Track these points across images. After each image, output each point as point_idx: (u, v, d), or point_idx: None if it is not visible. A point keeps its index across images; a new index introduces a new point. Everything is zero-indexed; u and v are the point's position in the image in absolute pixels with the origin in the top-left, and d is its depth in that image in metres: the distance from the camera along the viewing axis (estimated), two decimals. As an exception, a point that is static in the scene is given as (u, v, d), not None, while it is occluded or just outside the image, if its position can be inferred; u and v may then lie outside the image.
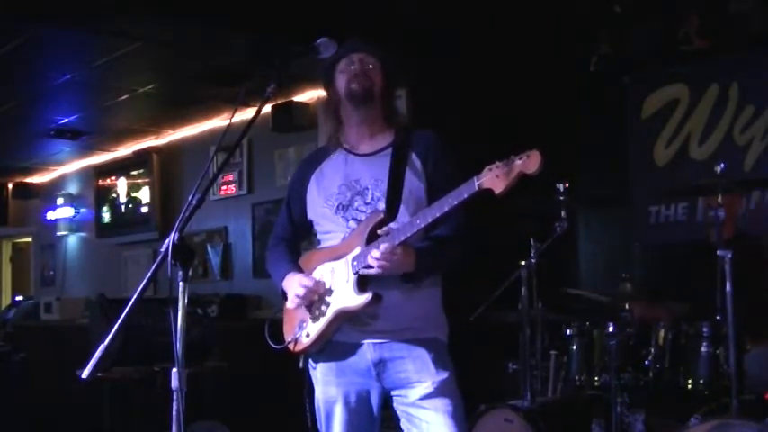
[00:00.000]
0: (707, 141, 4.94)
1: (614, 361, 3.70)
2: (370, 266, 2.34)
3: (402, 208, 2.44)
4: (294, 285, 2.50)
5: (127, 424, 4.86)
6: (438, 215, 2.26)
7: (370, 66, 2.55)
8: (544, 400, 4.03)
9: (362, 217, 2.47)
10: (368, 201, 2.49)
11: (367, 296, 2.36)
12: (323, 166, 2.63)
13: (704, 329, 3.52)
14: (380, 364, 2.45)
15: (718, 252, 3.19)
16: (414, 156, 2.52)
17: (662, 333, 3.68)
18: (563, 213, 3.93)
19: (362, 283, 2.39)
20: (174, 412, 1.98)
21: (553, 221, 3.96)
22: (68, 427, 5.97)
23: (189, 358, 2.00)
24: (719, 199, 3.24)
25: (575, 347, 3.98)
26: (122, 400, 4.86)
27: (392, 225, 2.36)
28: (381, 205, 2.46)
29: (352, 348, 2.47)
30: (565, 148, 5.28)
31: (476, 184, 2.19)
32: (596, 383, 3.88)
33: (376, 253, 2.31)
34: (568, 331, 4.02)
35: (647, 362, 3.72)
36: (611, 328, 3.77)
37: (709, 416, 3.21)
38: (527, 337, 3.96)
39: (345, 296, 2.42)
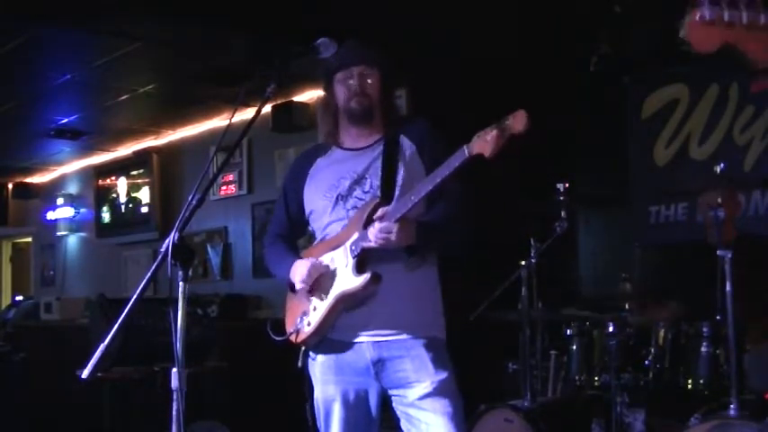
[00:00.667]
0: (707, 141, 4.94)
1: (614, 361, 3.71)
2: (369, 242, 2.35)
3: (398, 192, 2.44)
4: (298, 271, 2.52)
5: (127, 424, 4.86)
6: (431, 187, 2.28)
7: (369, 80, 2.55)
8: (544, 400, 4.03)
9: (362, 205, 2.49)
10: (366, 189, 2.50)
11: (366, 276, 2.38)
12: (319, 162, 2.65)
13: (704, 329, 3.53)
14: (379, 364, 2.45)
15: (718, 252, 3.18)
16: (407, 141, 2.54)
17: (662, 333, 3.68)
18: (563, 213, 3.94)
19: (361, 265, 2.41)
20: (174, 412, 1.98)
21: (553, 221, 3.96)
22: (68, 427, 5.96)
23: (189, 358, 2.00)
24: (719, 199, 3.24)
25: (575, 347, 3.98)
26: (122, 400, 4.86)
27: (387, 207, 2.37)
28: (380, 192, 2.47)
29: (352, 347, 2.47)
30: (565, 148, 5.30)
31: (466, 151, 2.22)
32: (596, 383, 3.88)
33: (373, 230, 2.33)
34: (568, 331, 4.03)
35: (647, 362, 3.72)
36: (611, 328, 3.77)
37: (709, 416, 3.21)
38: (527, 337, 3.95)
39: (345, 280, 2.43)
